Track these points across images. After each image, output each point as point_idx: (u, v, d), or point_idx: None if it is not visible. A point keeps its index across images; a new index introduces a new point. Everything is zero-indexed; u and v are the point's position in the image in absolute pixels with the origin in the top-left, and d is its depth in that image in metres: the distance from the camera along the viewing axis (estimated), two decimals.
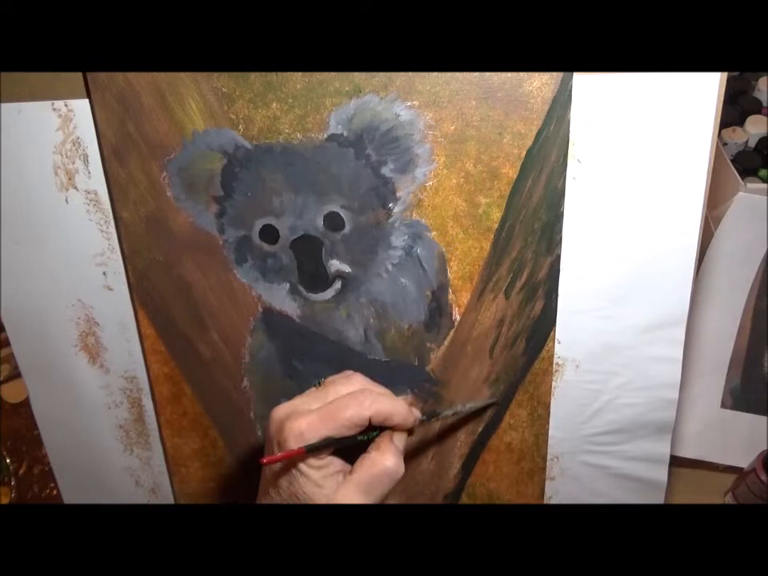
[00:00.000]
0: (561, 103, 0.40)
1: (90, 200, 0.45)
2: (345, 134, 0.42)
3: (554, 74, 0.39)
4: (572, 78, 0.39)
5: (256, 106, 0.42)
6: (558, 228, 0.43)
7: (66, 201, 0.45)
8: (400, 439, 0.37)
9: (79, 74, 0.42)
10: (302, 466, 0.34)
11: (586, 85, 0.39)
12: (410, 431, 0.38)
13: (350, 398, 0.35)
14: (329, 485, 0.35)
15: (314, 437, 0.33)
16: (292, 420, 0.34)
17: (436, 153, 0.42)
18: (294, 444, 0.33)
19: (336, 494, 0.35)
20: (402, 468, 0.36)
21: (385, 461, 0.35)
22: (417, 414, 0.38)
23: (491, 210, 0.43)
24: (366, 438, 0.36)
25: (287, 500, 0.35)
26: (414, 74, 0.40)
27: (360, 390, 0.36)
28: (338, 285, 0.45)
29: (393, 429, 0.36)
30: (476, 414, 0.48)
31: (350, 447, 0.35)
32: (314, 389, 0.37)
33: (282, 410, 0.35)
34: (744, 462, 0.58)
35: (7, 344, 0.50)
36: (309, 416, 0.34)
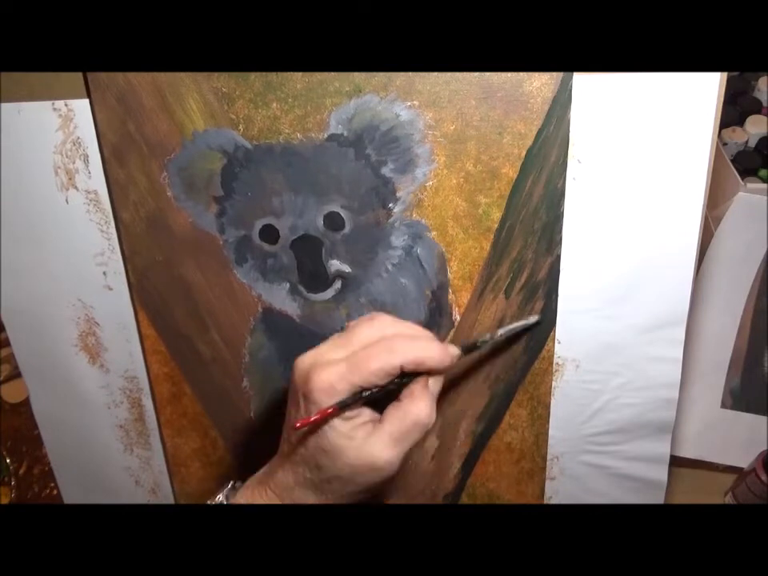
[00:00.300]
0: (561, 103, 0.40)
1: (90, 200, 0.45)
2: (345, 133, 0.42)
3: (554, 73, 0.39)
4: (572, 78, 0.39)
5: (256, 106, 0.42)
6: (558, 228, 0.43)
7: (66, 201, 0.45)
8: (435, 384, 0.35)
9: (79, 74, 0.42)
10: (335, 421, 0.33)
11: (586, 85, 0.39)
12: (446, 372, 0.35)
13: (379, 346, 0.33)
14: (359, 435, 0.33)
15: (343, 389, 0.32)
16: (318, 371, 0.32)
17: (436, 153, 0.42)
18: (321, 397, 0.32)
19: (366, 445, 0.33)
20: (434, 416, 0.34)
21: (417, 411, 0.33)
22: (453, 350, 0.35)
23: (491, 209, 0.43)
24: (399, 384, 0.34)
25: (314, 454, 0.34)
26: (414, 73, 0.40)
27: (389, 335, 0.34)
28: (338, 285, 0.45)
29: (428, 373, 0.34)
30: (515, 337, 0.45)
31: (384, 396, 0.34)
32: (336, 335, 0.35)
33: (306, 360, 0.33)
34: (744, 462, 0.58)
35: (7, 344, 0.50)
36: (336, 366, 0.32)
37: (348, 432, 0.33)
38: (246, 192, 0.44)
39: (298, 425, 0.32)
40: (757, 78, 0.67)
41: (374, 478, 0.34)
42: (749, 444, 0.58)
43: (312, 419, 0.32)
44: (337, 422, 0.33)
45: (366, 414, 0.34)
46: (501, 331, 0.42)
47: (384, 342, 0.33)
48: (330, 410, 0.31)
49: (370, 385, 0.32)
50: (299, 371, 0.33)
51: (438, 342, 0.35)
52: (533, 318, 0.44)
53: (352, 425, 0.33)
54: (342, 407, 0.32)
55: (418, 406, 0.34)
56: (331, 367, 0.32)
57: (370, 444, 0.33)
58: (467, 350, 0.38)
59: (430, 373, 0.35)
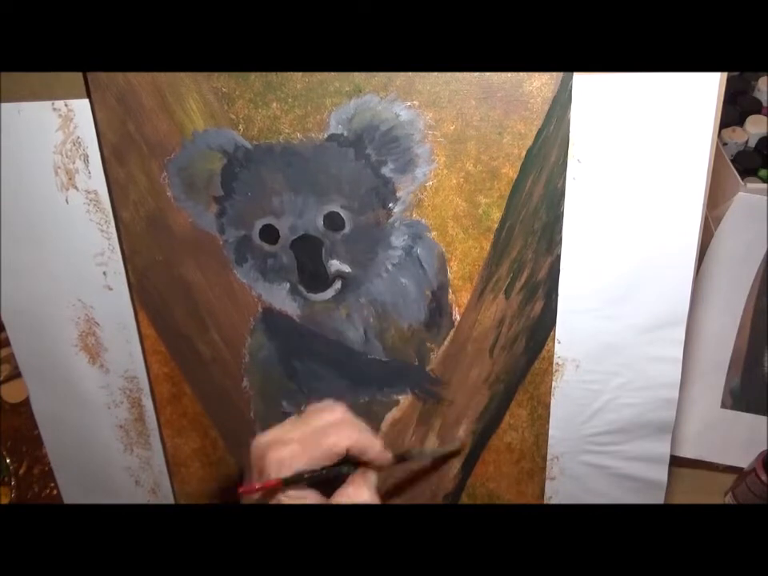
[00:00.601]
0: (561, 103, 0.40)
1: (90, 200, 0.45)
2: (345, 133, 0.42)
3: (554, 74, 0.39)
4: (572, 78, 0.39)
5: (256, 106, 0.42)
6: (558, 228, 0.43)
7: (66, 201, 0.45)
8: (373, 477, 0.37)
9: (79, 74, 0.42)
10: (280, 497, 0.35)
11: (586, 85, 0.39)
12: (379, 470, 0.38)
13: (331, 427, 0.35)
14: None
15: (294, 465, 0.34)
16: (274, 449, 0.34)
17: (436, 153, 0.42)
18: (274, 473, 0.34)
19: None
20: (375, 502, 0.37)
21: (363, 498, 0.36)
22: (388, 454, 0.38)
23: (491, 209, 0.43)
24: (341, 471, 0.36)
25: None
26: (414, 74, 0.40)
27: (340, 419, 0.36)
28: (338, 285, 0.45)
29: (366, 465, 0.37)
30: (444, 459, 0.49)
31: (324, 480, 0.36)
32: (294, 417, 0.37)
33: (263, 439, 0.36)
34: (744, 462, 0.58)
35: (7, 344, 0.50)
36: (290, 444, 0.34)
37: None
38: (246, 192, 0.44)
39: (241, 490, 0.34)
40: (757, 77, 0.67)
41: None
42: (749, 444, 0.58)
43: (257, 487, 0.34)
44: (286, 501, 0.35)
45: (314, 496, 0.36)
46: (428, 451, 0.48)
47: (336, 423, 0.36)
48: (274, 483, 0.33)
49: (317, 465, 0.34)
50: (257, 448, 0.35)
51: (377, 440, 0.37)
52: (455, 446, 0.48)
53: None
54: (286, 483, 0.33)
55: (363, 494, 0.36)
56: (287, 445, 0.34)
57: None
58: (399, 458, 0.41)
59: (367, 465, 0.37)
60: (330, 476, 0.36)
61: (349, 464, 0.36)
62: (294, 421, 0.37)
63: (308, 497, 0.35)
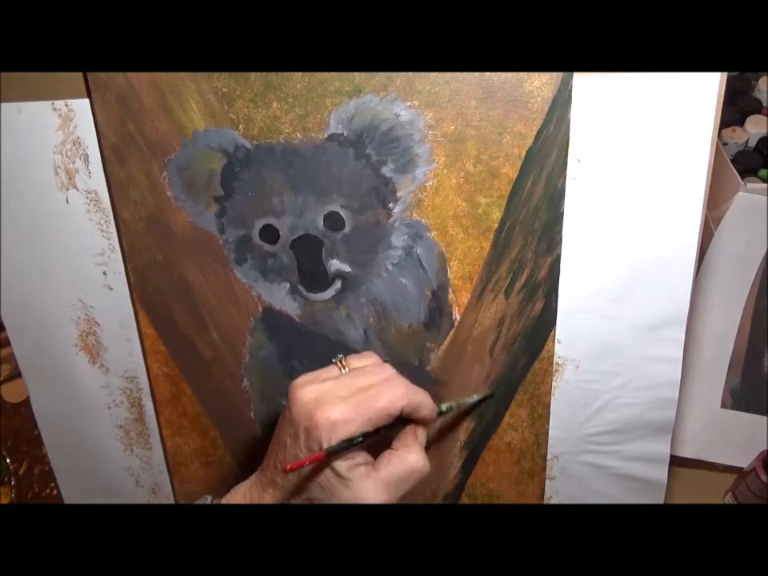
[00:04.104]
0: (561, 103, 0.40)
1: (91, 200, 0.45)
2: (345, 133, 0.42)
3: (554, 74, 0.39)
4: (572, 77, 0.39)
5: (256, 106, 0.42)
6: (558, 228, 0.43)
7: (67, 201, 0.45)
8: (423, 434, 0.36)
9: (79, 74, 0.42)
10: (333, 462, 0.33)
11: (586, 85, 0.39)
12: (426, 426, 0.37)
13: (384, 387, 0.34)
14: (354, 477, 0.34)
15: (347, 428, 0.32)
16: (323, 408, 0.32)
17: (436, 153, 0.42)
18: (325, 434, 0.32)
19: (361, 489, 0.34)
20: (428, 465, 0.35)
21: (413, 460, 0.35)
22: (436, 409, 0.37)
23: (491, 209, 0.43)
24: (391, 431, 0.34)
25: (308, 488, 0.34)
26: (414, 73, 0.40)
27: (390, 376, 0.35)
28: (338, 284, 0.45)
29: (416, 422, 0.35)
30: (474, 407, 0.47)
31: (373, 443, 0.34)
32: (335, 368, 0.36)
33: (309, 393, 0.33)
34: (744, 461, 0.58)
35: (7, 344, 0.51)
36: (341, 406, 0.32)
37: (345, 472, 0.34)
38: (246, 192, 0.44)
39: (288, 468, 0.32)
40: (757, 78, 0.67)
41: None
42: (749, 444, 0.58)
43: (306, 462, 0.32)
44: (335, 461, 0.33)
45: (362, 455, 0.35)
46: (463, 401, 0.45)
47: (389, 383, 0.34)
48: (321, 456, 0.32)
49: (371, 427, 0.33)
50: (302, 403, 0.33)
51: (426, 393, 0.36)
52: (488, 392, 0.47)
53: (349, 465, 0.34)
54: (331, 454, 0.32)
55: (413, 456, 0.35)
56: (337, 405, 0.33)
57: (365, 488, 0.34)
58: (439, 413, 0.40)
59: (418, 422, 0.36)
60: (379, 439, 0.34)
61: (398, 424, 0.35)
62: (338, 376, 0.35)
63: (359, 455, 0.34)
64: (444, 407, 0.42)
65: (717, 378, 0.58)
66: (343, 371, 0.36)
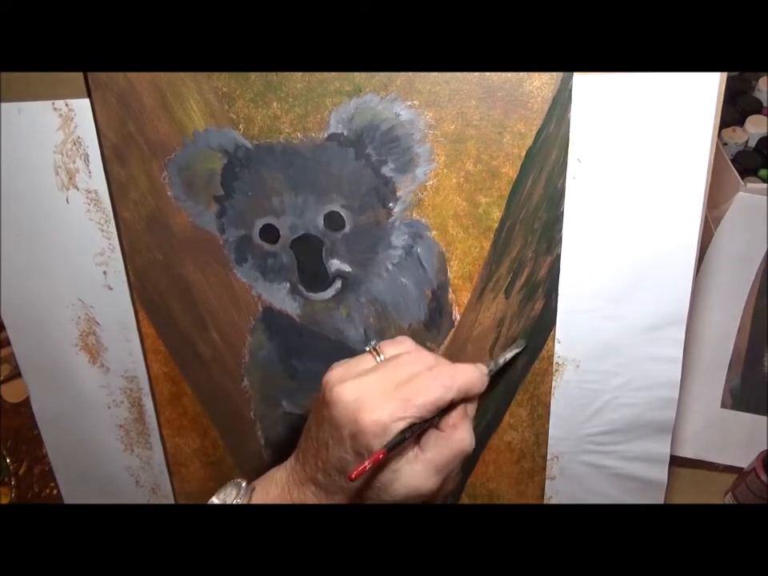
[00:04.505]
0: (561, 103, 0.40)
1: (91, 200, 0.45)
2: (345, 133, 0.42)
3: (554, 73, 0.39)
4: (572, 77, 0.39)
5: (256, 106, 0.42)
6: (558, 227, 0.43)
7: (67, 200, 0.45)
8: (472, 408, 0.35)
9: (79, 74, 0.42)
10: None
11: (586, 85, 0.39)
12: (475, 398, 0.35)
13: (431, 379, 0.32)
14: (403, 465, 0.32)
15: (396, 427, 0.30)
16: (369, 411, 0.30)
17: (436, 152, 0.42)
18: (374, 439, 0.30)
19: (411, 477, 0.32)
20: (473, 442, 0.34)
21: (460, 440, 0.33)
22: (483, 368, 0.35)
23: (491, 209, 0.43)
24: (437, 417, 0.33)
25: (357, 488, 0.33)
26: (414, 73, 0.40)
27: (433, 364, 0.33)
28: (338, 284, 0.45)
29: (464, 400, 0.34)
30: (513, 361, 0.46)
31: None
32: (369, 358, 0.34)
33: (348, 392, 0.31)
34: (744, 462, 0.58)
35: (7, 344, 0.51)
36: (387, 405, 0.30)
37: (394, 464, 0.32)
38: (246, 191, 0.44)
39: (354, 476, 0.30)
40: (757, 77, 0.67)
41: (413, 502, 0.34)
42: (749, 444, 0.58)
43: (369, 468, 0.30)
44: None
45: (409, 445, 0.33)
46: (500, 360, 0.43)
47: (434, 374, 0.32)
48: (381, 456, 0.30)
49: (421, 420, 0.32)
50: (343, 404, 0.31)
51: (472, 366, 0.34)
52: (521, 342, 0.45)
53: (397, 455, 0.32)
54: (391, 449, 0.31)
55: (460, 435, 0.33)
56: (382, 406, 0.31)
57: (414, 474, 0.33)
58: (489, 373, 0.38)
59: (466, 399, 0.34)
60: (429, 425, 0.33)
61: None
62: (376, 368, 0.33)
63: (405, 447, 0.32)
64: (491, 366, 0.39)
65: (717, 378, 0.58)
66: (378, 359, 0.34)
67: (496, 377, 0.46)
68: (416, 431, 0.32)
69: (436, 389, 0.32)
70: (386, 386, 0.32)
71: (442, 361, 0.34)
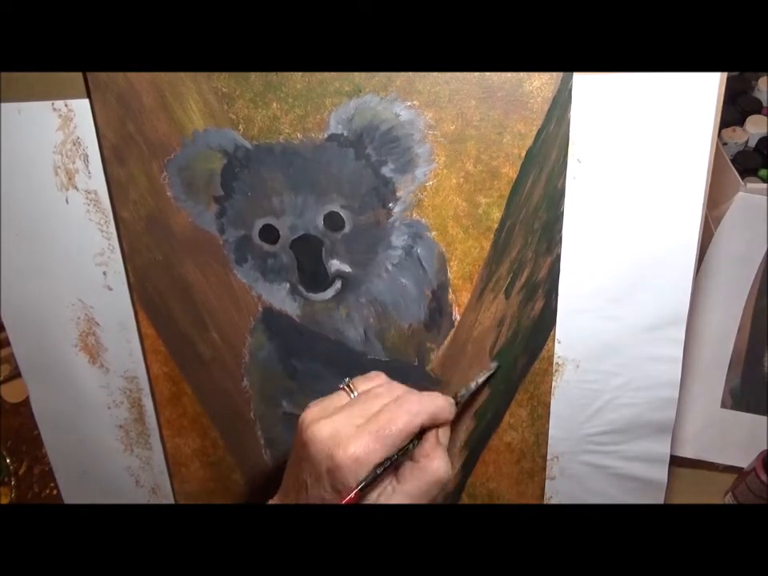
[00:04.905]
0: (561, 103, 0.40)
1: (90, 200, 0.45)
2: (345, 133, 0.42)
3: (554, 74, 0.39)
4: (572, 77, 0.39)
5: (256, 106, 0.42)
6: (558, 228, 0.43)
7: (66, 201, 0.45)
8: (445, 435, 0.35)
9: (79, 74, 0.42)
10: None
11: (586, 85, 0.39)
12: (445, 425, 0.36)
13: (398, 407, 0.33)
14: (381, 500, 0.34)
15: (371, 459, 0.32)
16: (343, 446, 0.32)
17: (436, 153, 0.42)
18: (349, 475, 0.31)
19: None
20: (450, 469, 0.35)
21: (435, 468, 0.34)
22: (454, 408, 0.36)
23: (491, 209, 0.43)
24: (411, 446, 0.34)
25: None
26: (414, 73, 0.40)
27: (401, 394, 0.34)
28: (338, 285, 0.45)
29: (435, 427, 0.35)
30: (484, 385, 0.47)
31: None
32: (344, 395, 0.35)
33: (323, 429, 0.32)
34: (744, 461, 0.58)
35: (7, 344, 0.50)
36: (360, 439, 0.32)
37: (372, 499, 0.33)
38: (246, 192, 0.44)
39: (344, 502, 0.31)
40: (757, 77, 0.67)
41: None
42: (749, 444, 0.58)
43: (351, 500, 0.31)
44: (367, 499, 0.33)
45: (387, 480, 0.34)
46: (472, 386, 0.44)
47: (400, 403, 0.33)
48: (353, 497, 0.31)
49: (394, 449, 0.32)
50: (318, 442, 0.32)
51: (438, 394, 0.35)
52: (492, 369, 0.46)
53: (374, 488, 0.33)
54: (364, 487, 0.31)
55: (435, 464, 0.34)
56: (355, 439, 0.32)
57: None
58: (457, 402, 0.39)
59: (437, 426, 0.35)
60: (404, 455, 0.34)
61: (416, 437, 0.34)
62: (349, 404, 0.34)
63: (383, 481, 0.33)
64: (459, 398, 0.41)
65: (717, 378, 0.58)
66: (352, 395, 0.35)
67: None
68: (389, 465, 0.33)
69: (402, 416, 0.33)
70: (359, 421, 0.33)
71: (410, 391, 0.35)
